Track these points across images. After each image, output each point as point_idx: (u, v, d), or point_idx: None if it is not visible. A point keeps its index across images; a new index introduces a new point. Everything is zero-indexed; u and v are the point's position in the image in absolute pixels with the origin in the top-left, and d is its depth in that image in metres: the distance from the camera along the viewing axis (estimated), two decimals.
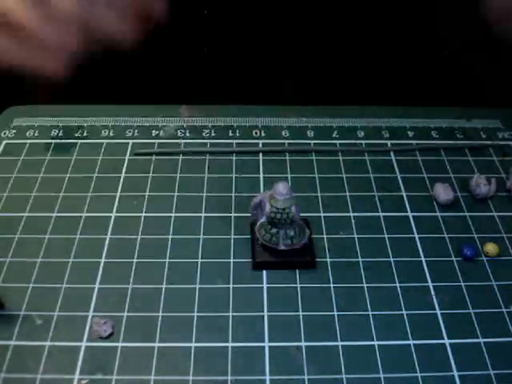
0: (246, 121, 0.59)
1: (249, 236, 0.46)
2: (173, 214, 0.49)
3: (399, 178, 0.53)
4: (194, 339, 0.40)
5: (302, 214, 0.45)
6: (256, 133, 0.58)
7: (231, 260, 0.45)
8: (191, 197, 0.50)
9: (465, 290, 0.43)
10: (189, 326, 0.40)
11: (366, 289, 0.43)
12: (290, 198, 0.42)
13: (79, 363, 0.38)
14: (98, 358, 0.38)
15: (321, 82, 0.68)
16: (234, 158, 0.54)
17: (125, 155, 0.54)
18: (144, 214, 0.48)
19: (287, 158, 0.55)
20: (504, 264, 0.45)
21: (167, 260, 0.45)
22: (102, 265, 0.44)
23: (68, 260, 0.44)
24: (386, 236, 0.47)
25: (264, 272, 0.44)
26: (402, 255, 0.45)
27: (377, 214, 0.49)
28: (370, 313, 0.41)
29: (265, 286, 0.43)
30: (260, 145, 0.56)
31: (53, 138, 0.56)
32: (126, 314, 0.41)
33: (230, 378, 0.37)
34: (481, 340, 0.40)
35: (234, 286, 0.43)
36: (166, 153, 0.55)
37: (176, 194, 0.50)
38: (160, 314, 0.41)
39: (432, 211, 0.49)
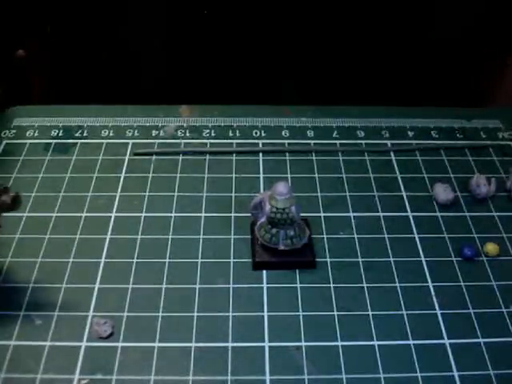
0: (245, 121, 0.59)
1: (249, 236, 0.46)
2: (173, 214, 0.49)
3: (399, 178, 0.53)
4: (193, 339, 0.39)
5: (302, 214, 0.45)
6: (256, 133, 0.57)
7: (231, 260, 0.45)
8: (191, 197, 0.50)
9: (465, 290, 0.43)
10: (189, 326, 0.40)
11: (366, 289, 0.43)
12: (289, 197, 0.42)
13: (79, 363, 0.38)
14: (97, 358, 0.38)
15: (321, 82, 0.68)
16: (234, 158, 0.54)
17: (125, 155, 0.54)
18: (144, 214, 0.48)
19: (287, 157, 0.55)
20: (504, 264, 0.45)
21: (167, 260, 0.45)
22: (101, 265, 0.44)
23: (68, 260, 0.44)
24: (385, 236, 0.47)
25: (264, 272, 0.44)
26: (401, 255, 0.45)
27: (377, 213, 0.49)
28: (370, 313, 0.41)
29: (265, 285, 0.43)
30: (260, 145, 0.56)
31: (53, 138, 0.56)
32: (125, 314, 0.41)
33: (230, 377, 0.37)
34: (481, 340, 0.40)
35: (234, 285, 0.43)
36: (165, 153, 0.55)
37: (176, 193, 0.50)
38: (160, 313, 0.41)
39: (432, 211, 0.49)
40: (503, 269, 0.45)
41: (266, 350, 0.39)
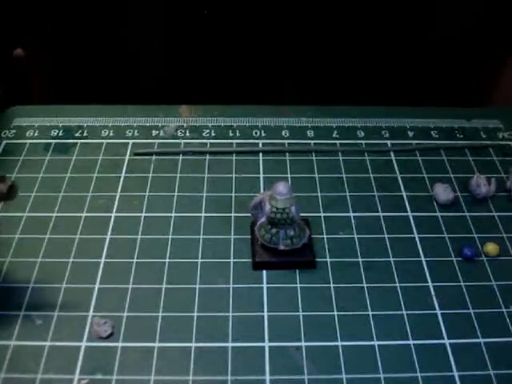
0: (246, 121, 0.59)
1: (249, 236, 0.46)
2: (173, 214, 0.49)
3: (399, 178, 0.53)
4: (194, 339, 0.40)
5: (302, 214, 0.45)
6: (256, 133, 0.57)
7: (231, 260, 0.45)
8: (191, 197, 0.50)
9: (465, 290, 0.43)
10: (189, 326, 0.40)
11: (366, 289, 0.43)
12: (289, 197, 0.42)
13: (79, 363, 0.38)
14: (97, 357, 0.38)
15: (321, 82, 0.68)
16: (234, 158, 0.54)
17: (125, 155, 0.54)
18: (144, 214, 0.48)
19: (287, 158, 0.55)
20: (504, 264, 0.45)
21: (167, 260, 0.45)
22: (101, 265, 0.44)
23: (68, 260, 0.44)
24: (385, 236, 0.47)
25: (264, 272, 0.44)
26: (401, 255, 0.45)
27: (377, 213, 0.49)
28: (370, 313, 0.41)
29: (265, 286, 0.43)
30: (260, 145, 0.56)
31: (53, 138, 0.56)
32: (125, 314, 0.41)
33: (230, 377, 0.37)
34: (481, 340, 0.40)
35: (234, 285, 0.43)
36: (166, 153, 0.55)
37: (176, 193, 0.50)
38: (160, 313, 0.41)
39: (432, 211, 0.49)
40: (503, 269, 0.45)
41: (266, 350, 0.39)
